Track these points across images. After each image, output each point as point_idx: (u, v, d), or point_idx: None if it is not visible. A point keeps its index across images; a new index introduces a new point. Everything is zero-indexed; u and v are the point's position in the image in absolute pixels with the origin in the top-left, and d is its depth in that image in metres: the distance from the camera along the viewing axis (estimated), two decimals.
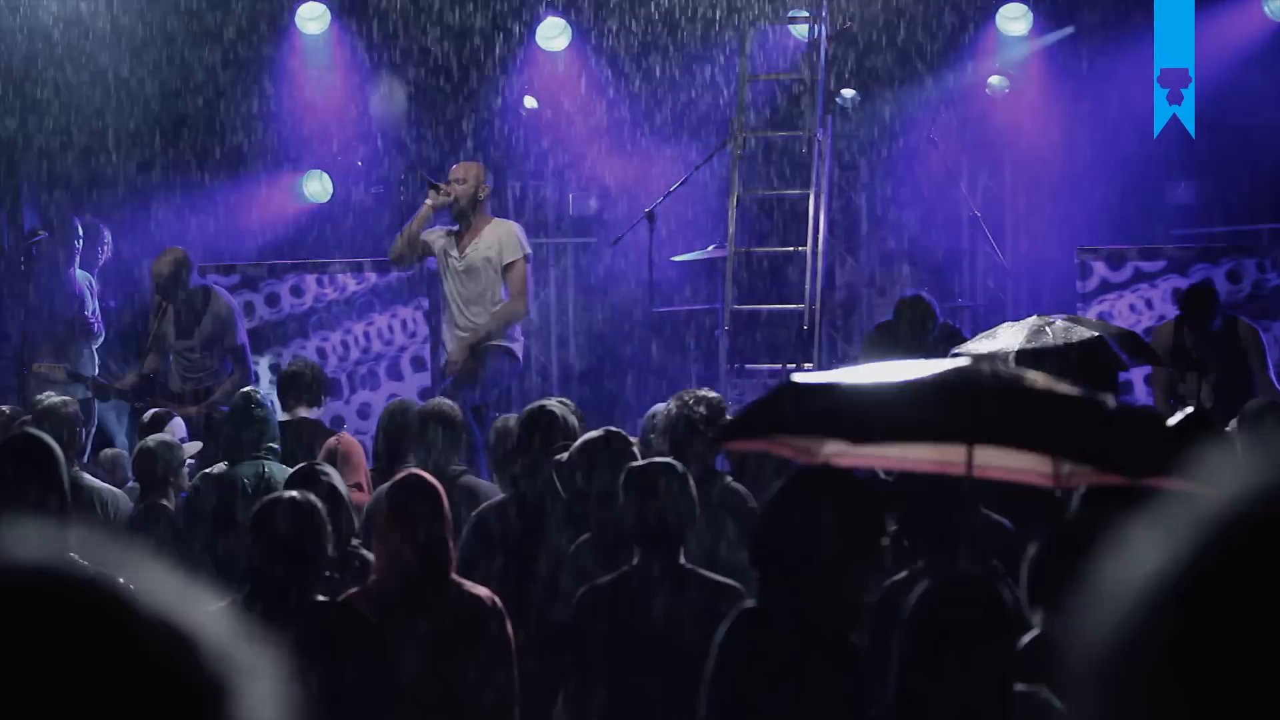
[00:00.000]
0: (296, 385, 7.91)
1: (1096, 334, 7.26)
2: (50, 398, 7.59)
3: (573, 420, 6.13)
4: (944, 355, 9.26)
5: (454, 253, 9.27)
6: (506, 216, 12.11)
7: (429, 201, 9.40)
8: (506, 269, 9.18)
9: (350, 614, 4.61)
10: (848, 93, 12.05)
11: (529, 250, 9.32)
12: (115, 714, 0.94)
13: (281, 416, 7.57)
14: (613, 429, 5.67)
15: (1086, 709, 0.96)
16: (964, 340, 9.37)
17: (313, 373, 8.12)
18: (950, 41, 12.01)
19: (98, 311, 10.36)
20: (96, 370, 10.27)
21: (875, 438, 4.02)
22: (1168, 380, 8.92)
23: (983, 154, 12.19)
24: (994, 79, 12.06)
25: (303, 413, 7.82)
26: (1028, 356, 6.84)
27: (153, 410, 8.30)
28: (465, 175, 9.37)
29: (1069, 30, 11.82)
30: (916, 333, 9.28)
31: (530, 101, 12.15)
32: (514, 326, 9.31)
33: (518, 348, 9.32)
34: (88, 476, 6.92)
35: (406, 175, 9.96)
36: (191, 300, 9.47)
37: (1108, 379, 6.95)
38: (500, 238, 9.24)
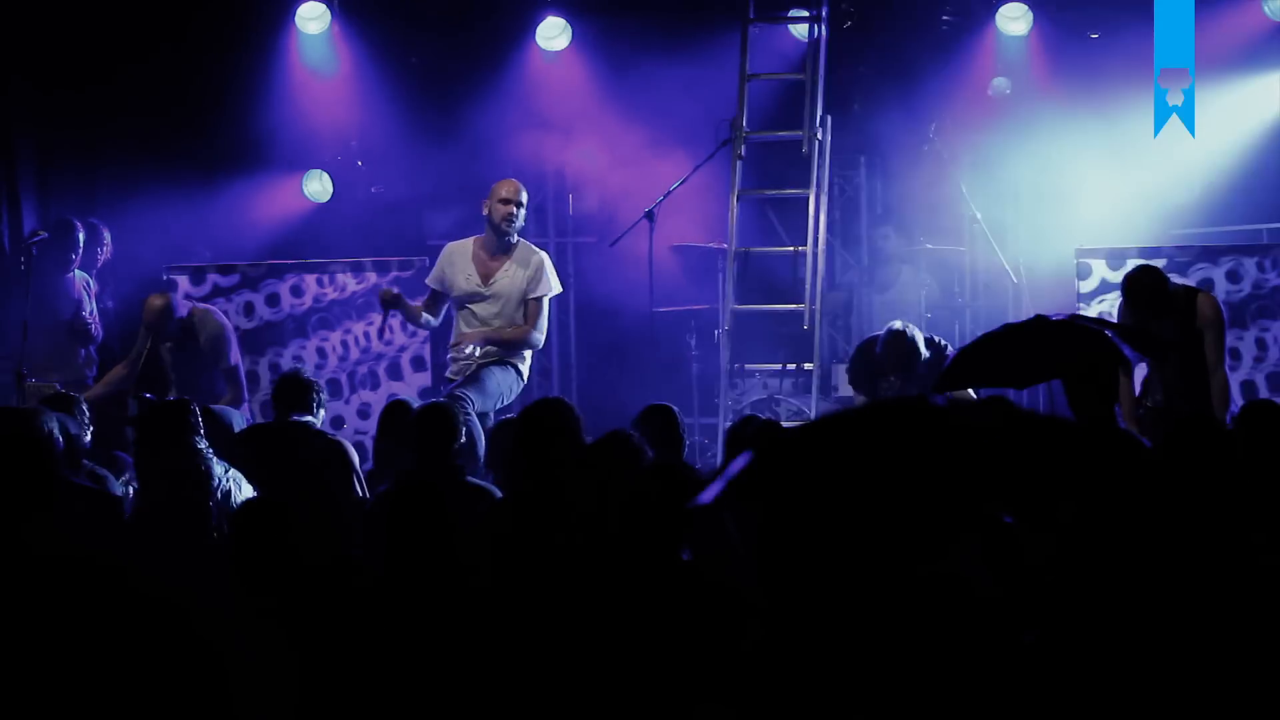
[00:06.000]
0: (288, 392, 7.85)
1: (1098, 329, 7.24)
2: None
3: (572, 421, 6.13)
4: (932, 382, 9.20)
5: (478, 279, 9.11)
6: None
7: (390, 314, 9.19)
8: (530, 300, 9.05)
9: None
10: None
11: (559, 289, 9.18)
12: None
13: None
14: (619, 430, 5.68)
15: None
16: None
17: (303, 381, 7.98)
18: (950, 41, 12.00)
19: (95, 313, 10.34)
20: (95, 371, 10.26)
21: None
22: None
23: (983, 154, 12.18)
24: (997, 80, 12.04)
25: (295, 417, 7.76)
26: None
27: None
28: (520, 198, 9.10)
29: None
30: (901, 368, 9.23)
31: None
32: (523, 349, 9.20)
33: (524, 366, 9.16)
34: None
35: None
36: (183, 330, 9.33)
37: (1110, 375, 6.91)
38: (532, 269, 9.06)
